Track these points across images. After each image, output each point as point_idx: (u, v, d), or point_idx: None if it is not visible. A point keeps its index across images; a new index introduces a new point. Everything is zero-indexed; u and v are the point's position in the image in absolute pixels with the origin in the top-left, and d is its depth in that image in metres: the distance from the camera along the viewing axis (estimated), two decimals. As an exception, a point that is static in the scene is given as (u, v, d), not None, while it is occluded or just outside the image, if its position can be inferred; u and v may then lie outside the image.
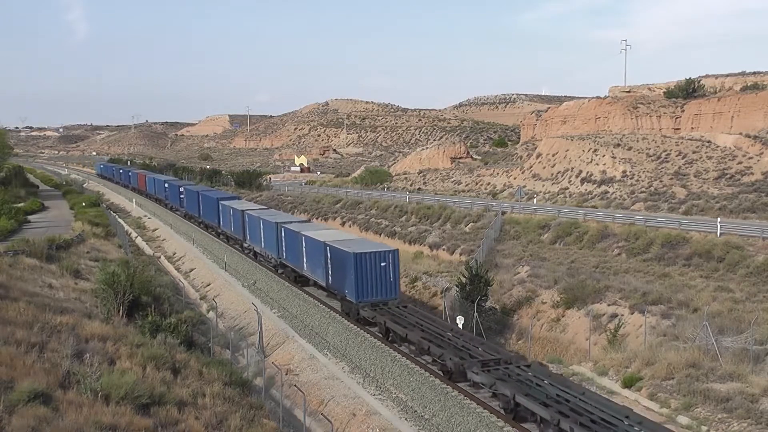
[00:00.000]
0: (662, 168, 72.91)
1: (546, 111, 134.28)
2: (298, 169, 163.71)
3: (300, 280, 41.79)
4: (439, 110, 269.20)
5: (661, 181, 69.00)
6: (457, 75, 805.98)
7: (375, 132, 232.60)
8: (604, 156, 78.57)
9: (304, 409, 22.52)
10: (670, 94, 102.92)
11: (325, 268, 36.16)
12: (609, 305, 36.40)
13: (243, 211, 52.56)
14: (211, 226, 64.05)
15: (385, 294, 32.97)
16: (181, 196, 78.29)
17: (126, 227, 72.19)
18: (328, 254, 35.43)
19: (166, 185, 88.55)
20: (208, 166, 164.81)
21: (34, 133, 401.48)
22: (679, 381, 24.32)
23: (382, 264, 32.61)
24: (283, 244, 42.97)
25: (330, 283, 35.96)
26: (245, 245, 52.91)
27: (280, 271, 45.06)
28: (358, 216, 78.64)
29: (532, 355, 33.66)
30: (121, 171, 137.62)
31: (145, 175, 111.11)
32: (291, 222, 45.10)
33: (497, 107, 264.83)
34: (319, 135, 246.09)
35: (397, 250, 34.36)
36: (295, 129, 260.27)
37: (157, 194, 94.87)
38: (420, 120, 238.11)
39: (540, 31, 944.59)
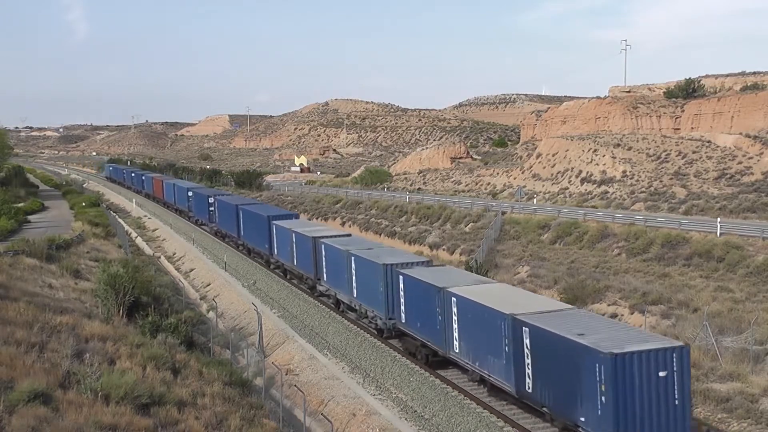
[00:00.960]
0: (662, 168, 72.91)
1: (546, 111, 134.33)
2: (298, 169, 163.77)
3: (437, 361, 26.67)
4: (439, 110, 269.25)
5: (661, 181, 69.01)
6: (457, 75, 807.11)
7: (375, 132, 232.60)
8: (604, 156, 78.57)
9: (304, 409, 22.51)
10: (670, 94, 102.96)
11: (518, 362, 21.33)
12: (609, 305, 36.41)
13: (316, 239, 37.81)
14: (258, 252, 50.32)
15: (667, 430, 18.42)
16: (211, 209, 64.08)
17: (126, 227, 72.18)
18: (526, 341, 20.84)
19: (190, 194, 73.76)
20: (208, 166, 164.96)
21: (34, 133, 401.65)
22: (679, 381, 24.30)
23: (661, 374, 18.20)
24: (401, 298, 28.53)
25: (530, 390, 21.00)
26: (321, 288, 38.14)
27: (386, 335, 30.75)
28: (358, 216, 78.68)
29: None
30: (132, 174, 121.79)
31: (162, 180, 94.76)
32: (413, 264, 30.18)
33: (497, 107, 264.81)
34: (319, 135, 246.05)
35: (688, 346, 19.25)
36: (295, 129, 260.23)
37: (178, 204, 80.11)
38: (420, 120, 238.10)
39: (540, 31, 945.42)
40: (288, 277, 44.48)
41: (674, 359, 18.24)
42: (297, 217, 52.25)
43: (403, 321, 28.50)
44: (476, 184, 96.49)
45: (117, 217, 78.51)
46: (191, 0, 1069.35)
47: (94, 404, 17.64)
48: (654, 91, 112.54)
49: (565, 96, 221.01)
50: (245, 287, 44.85)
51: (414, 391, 25.94)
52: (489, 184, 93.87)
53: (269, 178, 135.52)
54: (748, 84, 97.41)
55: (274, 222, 45.89)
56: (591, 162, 79.45)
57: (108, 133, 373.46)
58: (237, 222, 54.66)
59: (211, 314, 39.18)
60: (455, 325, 24.70)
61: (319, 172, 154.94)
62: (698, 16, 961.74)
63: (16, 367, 18.85)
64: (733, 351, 26.43)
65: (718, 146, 74.90)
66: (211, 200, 64.08)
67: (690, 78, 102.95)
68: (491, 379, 23.31)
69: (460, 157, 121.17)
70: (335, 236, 39.33)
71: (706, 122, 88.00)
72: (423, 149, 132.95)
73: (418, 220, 71.70)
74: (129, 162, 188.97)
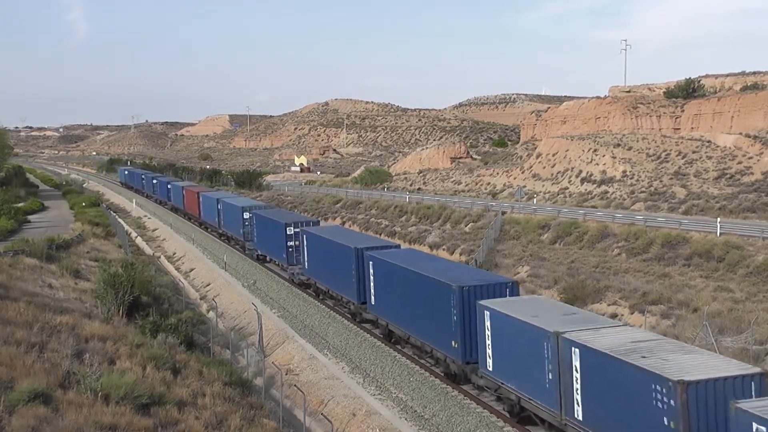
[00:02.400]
0: (662, 168, 72.91)
1: (546, 111, 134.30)
2: (298, 169, 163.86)
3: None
4: (439, 110, 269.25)
5: (661, 181, 69.00)
6: (457, 75, 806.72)
7: (375, 132, 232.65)
8: (604, 156, 78.58)
9: (304, 409, 22.52)
10: (670, 94, 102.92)
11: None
12: (609, 305, 36.38)
13: (600, 352, 17.89)
14: (425, 348, 27.90)
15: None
16: (291, 244, 43.61)
17: (126, 227, 72.19)
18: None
19: (247, 216, 53.52)
20: (208, 166, 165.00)
21: (34, 133, 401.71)
22: (679, 381, 24.26)
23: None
24: None
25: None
26: None
27: None
28: (358, 216, 78.66)
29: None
30: (154, 181, 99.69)
31: (197, 192, 72.13)
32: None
33: (497, 107, 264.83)
34: (319, 135, 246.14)
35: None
36: (295, 129, 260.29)
37: (225, 228, 60.66)
38: (420, 120, 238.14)
39: (540, 31, 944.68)
40: (504, 401, 23.30)
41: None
42: (516, 289, 25.53)
43: None
44: (476, 184, 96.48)
45: (117, 217, 78.53)
46: (191, 0, 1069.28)
47: (94, 404, 17.65)
48: (654, 91, 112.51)
49: (565, 96, 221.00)
50: (245, 287, 44.86)
51: (414, 391, 25.95)
52: (489, 184, 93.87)
53: (269, 178, 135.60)
54: (748, 84, 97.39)
55: (486, 306, 23.07)
56: (591, 162, 79.45)
57: (108, 133, 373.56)
58: (359, 276, 33.18)
59: (211, 314, 39.19)
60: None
61: (319, 172, 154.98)
62: (698, 16, 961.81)
63: (16, 367, 18.86)
64: (733, 351, 26.42)
65: (718, 146, 74.90)
66: (290, 231, 43.98)
67: (690, 78, 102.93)
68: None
69: (460, 157, 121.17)
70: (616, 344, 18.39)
71: (706, 122, 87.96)
72: (423, 149, 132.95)
73: (418, 220, 71.68)
74: (129, 162, 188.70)
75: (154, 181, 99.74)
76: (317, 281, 40.30)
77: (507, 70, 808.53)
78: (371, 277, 32.08)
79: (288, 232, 44.09)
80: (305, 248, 41.29)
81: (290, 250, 44.03)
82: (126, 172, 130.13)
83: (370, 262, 32.02)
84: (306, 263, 41.43)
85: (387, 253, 32.21)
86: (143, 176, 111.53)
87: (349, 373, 28.55)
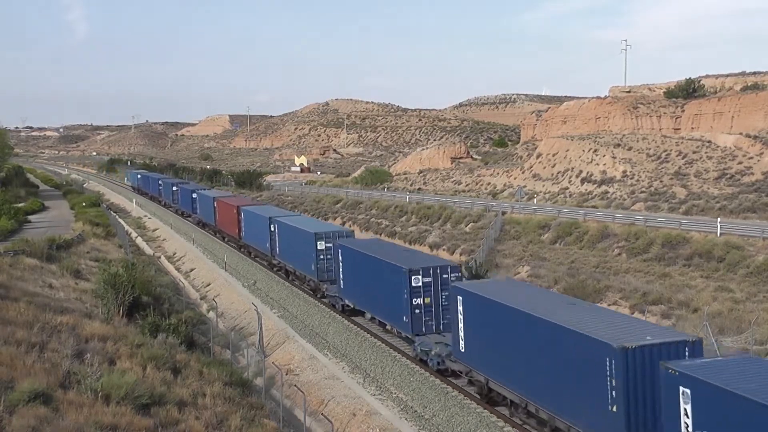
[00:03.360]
0: (662, 168, 72.91)
1: (546, 111, 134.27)
2: (299, 169, 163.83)
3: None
4: (439, 110, 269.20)
5: (661, 181, 69.01)
6: (457, 75, 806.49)
7: (375, 132, 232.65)
8: (604, 156, 78.58)
9: (305, 409, 22.51)
10: (670, 94, 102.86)
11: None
12: (609, 305, 36.36)
13: None
14: None
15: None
16: (418, 301, 27.96)
17: (126, 227, 72.19)
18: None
19: (323, 247, 38.28)
20: (208, 166, 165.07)
21: (34, 133, 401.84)
22: (679, 381, 24.24)
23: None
24: None
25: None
26: None
27: None
28: (359, 216, 78.67)
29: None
30: (174, 188, 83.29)
31: (236, 206, 54.86)
32: None
33: (497, 107, 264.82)
34: (319, 135, 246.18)
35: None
36: (295, 129, 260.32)
37: (284, 258, 44.51)
38: (420, 120, 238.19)
39: (540, 31, 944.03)
40: None
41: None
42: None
43: None
44: (476, 184, 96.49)
45: (117, 217, 78.53)
46: (191, 0, 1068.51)
47: (95, 404, 17.65)
48: (654, 91, 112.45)
49: (565, 96, 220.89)
50: (245, 287, 44.86)
51: (414, 391, 25.96)
52: (489, 184, 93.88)
53: (269, 178, 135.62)
54: (748, 84, 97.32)
55: None
56: (591, 162, 79.46)
57: (108, 133, 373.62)
58: (628, 396, 16.38)
59: (212, 314, 39.20)
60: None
61: (319, 172, 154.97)
62: (698, 16, 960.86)
63: (17, 367, 18.86)
64: (733, 351, 26.44)
65: (718, 146, 74.88)
66: (416, 281, 28.04)
67: (690, 78, 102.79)
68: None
69: (461, 157, 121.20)
70: None
71: (707, 122, 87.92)
72: (423, 149, 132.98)
73: (418, 220, 71.69)
74: (129, 162, 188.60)
75: (174, 188, 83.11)
76: (498, 382, 22.68)
77: (507, 70, 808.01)
78: (686, 415, 14.49)
79: (414, 284, 28.00)
80: (459, 315, 24.43)
81: (416, 312, 28.05)
82: (138, 176, 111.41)
83: (687, 392, 14.44)
84: (461, 340, 24.45)
85: (711, 371, 14.43)
86: (160, 182, 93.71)
87: (350, 373, 28.56)
